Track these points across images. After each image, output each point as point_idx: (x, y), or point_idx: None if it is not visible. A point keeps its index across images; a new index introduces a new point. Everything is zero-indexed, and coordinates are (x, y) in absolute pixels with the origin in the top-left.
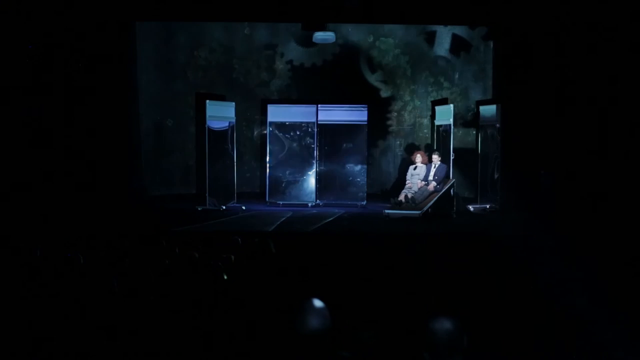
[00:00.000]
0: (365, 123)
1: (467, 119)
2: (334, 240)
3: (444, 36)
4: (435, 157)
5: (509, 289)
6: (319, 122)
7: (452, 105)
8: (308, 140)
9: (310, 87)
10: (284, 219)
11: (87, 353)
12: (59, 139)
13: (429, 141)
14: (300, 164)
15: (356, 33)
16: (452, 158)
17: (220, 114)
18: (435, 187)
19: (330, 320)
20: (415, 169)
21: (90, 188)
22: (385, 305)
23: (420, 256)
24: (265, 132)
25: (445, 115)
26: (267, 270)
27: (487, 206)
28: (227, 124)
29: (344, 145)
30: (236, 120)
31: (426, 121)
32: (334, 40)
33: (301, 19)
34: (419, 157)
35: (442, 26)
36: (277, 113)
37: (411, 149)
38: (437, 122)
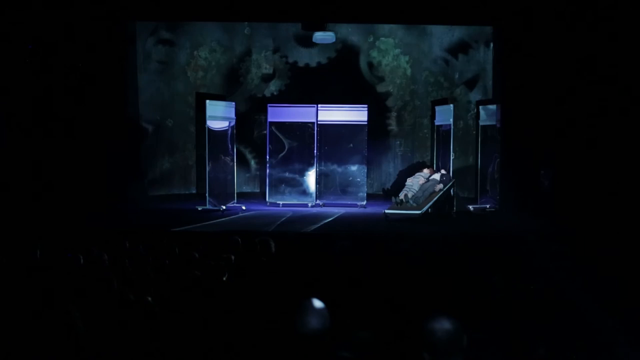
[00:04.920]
0: (365, 123)
1: (467, 119)
2: (333, 240)
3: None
4: (443, 171)
5: (509, 289)
6: (319, 122)
7: (452, 105)
8: (308, 140)
9: (310, 87)
10: (284, 219)
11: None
12: (59, 139)
13: (429, 141)
14: (300, 164)
15: (356, 33)
16: (452, 158)
17: (220, 114)
18: (439, 187)
19: (330, 320)
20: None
21: (90, 188)
22: (384, 305)
23: (420, 256)
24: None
25: (445, 115)
26: (266, 270)
27: (487, 206)
28: (227, 124)
29: (344, 145)
30: (236, 120)
31: (426, 121)
32: (334, 40)
33: (301, 19)
34: (426, 170)
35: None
36: (277, 113)
37: (420, 166)
38: (437, 122)
